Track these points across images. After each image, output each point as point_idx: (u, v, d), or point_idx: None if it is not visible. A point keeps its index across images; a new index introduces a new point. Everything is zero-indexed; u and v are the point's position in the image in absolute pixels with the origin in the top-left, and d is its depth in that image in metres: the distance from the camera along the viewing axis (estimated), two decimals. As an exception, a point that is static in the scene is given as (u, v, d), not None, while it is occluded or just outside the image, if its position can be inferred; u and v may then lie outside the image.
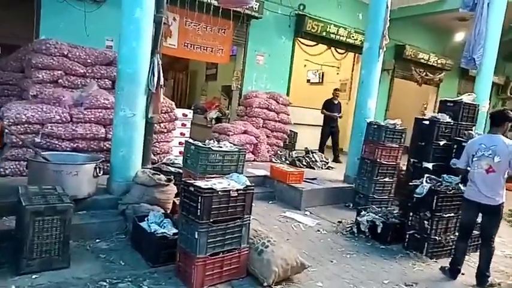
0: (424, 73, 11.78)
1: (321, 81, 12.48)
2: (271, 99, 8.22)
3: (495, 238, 3.89)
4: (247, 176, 3.61)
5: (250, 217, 3.38)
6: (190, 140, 4.43)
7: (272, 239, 3.53)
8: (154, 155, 5.41)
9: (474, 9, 7.88)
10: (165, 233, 3.49)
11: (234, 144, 4.53)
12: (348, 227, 5.08)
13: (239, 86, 8.58)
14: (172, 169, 4.75)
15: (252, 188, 3.37)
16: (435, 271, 4.10)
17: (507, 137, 3.71)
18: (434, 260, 4.35)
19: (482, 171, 3.66)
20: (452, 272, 3.97)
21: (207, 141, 4.23)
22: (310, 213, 5.61)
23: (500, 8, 7.68)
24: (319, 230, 4.94)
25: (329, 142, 9.33)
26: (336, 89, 9.32)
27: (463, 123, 4.86)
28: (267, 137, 8.05)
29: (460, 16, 10.00)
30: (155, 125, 5.09)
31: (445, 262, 4.31)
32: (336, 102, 9.02)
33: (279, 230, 4.78)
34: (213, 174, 3.80)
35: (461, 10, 8.22)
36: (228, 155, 4.03)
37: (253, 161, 7.49)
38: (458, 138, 4.73)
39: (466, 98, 4.90)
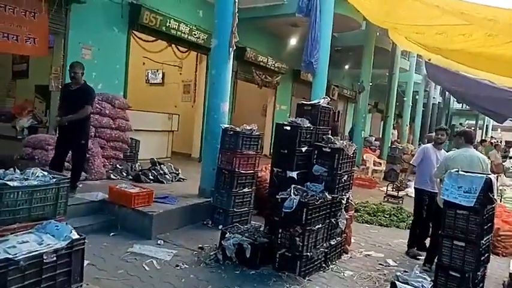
0: (264, 76, 12.04)
1: (162, 81, 11.39)
2: (104, 102, 6.77)
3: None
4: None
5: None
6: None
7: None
8: None
9: (309, 14, 8.19)
10: None
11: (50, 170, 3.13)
12: (212, 254, 4.30)
13: (60, 86, 6.73)
14: None
15: (83, 241, 2.21)
16: (311, 293, 3.72)
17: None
18: (308, 279, 3.98)
19: None
20: None
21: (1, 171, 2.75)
22: (165, 241, 4.61)
23: (330, 15, 8.20)
24: (178, 265, 3.99)
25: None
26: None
27: (321, 127, 4.68)
28: (102, 148, 6.60)
29: (293, 22, 10.52)
30: None
31: (317, 278, 4.04)
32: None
33: (127, 275, 3.64)
34: (13, 226, 2.42)
35: (297, 15, 8.44)
36: (39, 192, 2.66)
37: (84, 180, 5.95)
38: (318, 144, 4.51)
39: (322, 101, 4.75)
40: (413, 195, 5.56)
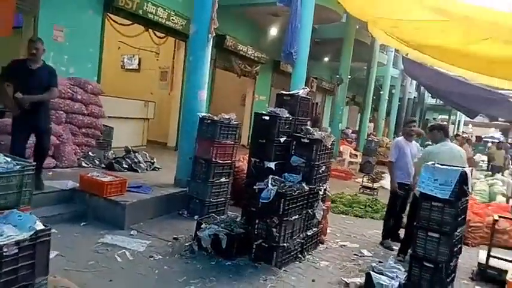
0: (243, 65, 11.88)
1: (138, 67, 11.06)
2: (76, 86, 6.48)
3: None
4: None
5: (46, 281, 2.08)
6: None
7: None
8: None
9: (290, 4, 8.09)
10: None
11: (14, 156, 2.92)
12: (187, 245, 4.22)
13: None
14: None
15: (48, 232, 2.08)
16: (286, 283, 3.69)
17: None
18: (284, 269, 3.96)
19: None
20: None
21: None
22: (138, 231, 4.48)
23: (311, 6, 8.13)
24: (151, 256, 3.88)
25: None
26: None
27: (300, 118, 4.63)
28: (73, 135, 6.34)
29: (273, 11, 10.40)
30: None
31: (293, 269, 4.03)
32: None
33: (98, 267, 3.51)
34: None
35: (278, 4, 8.33)
36: (1, 179, 2.47)
37: (54, 167, 5.73)
38: (297, 134, 4.47)
39: (301, 92, 4.69)
40: (388, 187, 5.62)
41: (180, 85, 9.48)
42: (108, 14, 7.61)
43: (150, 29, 8.74)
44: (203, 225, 4.18)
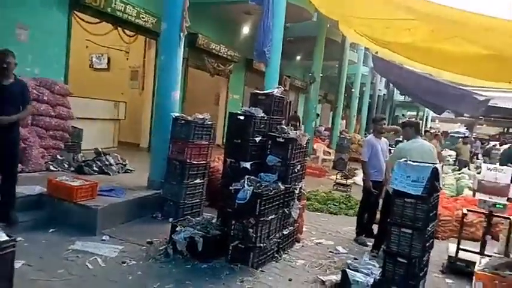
0: (216, 64, 11.78)
1: (107, 67, 10.75)
2: (42, 87, 6.22)
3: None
4: None
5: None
6: None
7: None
8: None
9: (262, 2, 8.07)
10: None
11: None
12: (162, 249, 4.13)
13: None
14: None
15: (12, 243, 1.96)
16: (263, 284, 3.68)
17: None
18: (260, 270, 3.94)
19: None
20: None
21: None
22: (111, 237, 4.34)
23: (282, 4, 8.15)
24: (124, 262, 3.78)
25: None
26: None
27: (275, 117, 4.63)
28: (40, 138, 6.09)
29: (246, 9, 10.36)
30: None
31: (270, 269, 4.02)
32: None
33: (68, 275, 3.38)
34: None
35: (250, 2, 8.29)
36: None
37: (20, 172, 5.44)
38: (272, 134, 4.46)
39: (276, 91, 4.68)
40: (361, 183, 5.70)
41: (152, 85, 9.30)
42: (75, 11, 7.35)
43: (119, 27, 8.51)
44: (178, 228, 4.10)
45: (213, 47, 11.17)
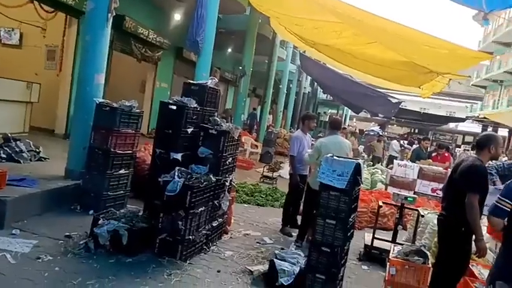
0: (144, 49, 11.23)
1: (19, 43, 9.64)
2: None
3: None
4: None
5: None
6: None
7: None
8: None
9: (196, -11, 7.90)
10: None
11: None
12: (82, 243, 3.84)
13: None
14: None
15: None
16: (192, 277, 3.65)
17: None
18: (189, 262, 3.90)
19: None
20: None
21: None
22: (22, 231, 3.94)
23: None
24: (39, 257, 3.45)
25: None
26: None
27: (208, 108, 4.57)
28: None
29: (179, -4, 10.06)
30: None
31: (198, 261, 4.00)
32: None
33: (-31, 275, 3.00)
34: None
35: (183, -11, 8.07)
36: None
37: None
38: (204, 125, 4.40)
39: (210, 82, 4.62)
40: (286, 177, 5.91)
41: (71, 66, 8.58)
42: (-20, -24, 6.46)
43: (35, 1, 7.68)
44: (101, 221, 3.86)
45: (141, 31, 10.63)
